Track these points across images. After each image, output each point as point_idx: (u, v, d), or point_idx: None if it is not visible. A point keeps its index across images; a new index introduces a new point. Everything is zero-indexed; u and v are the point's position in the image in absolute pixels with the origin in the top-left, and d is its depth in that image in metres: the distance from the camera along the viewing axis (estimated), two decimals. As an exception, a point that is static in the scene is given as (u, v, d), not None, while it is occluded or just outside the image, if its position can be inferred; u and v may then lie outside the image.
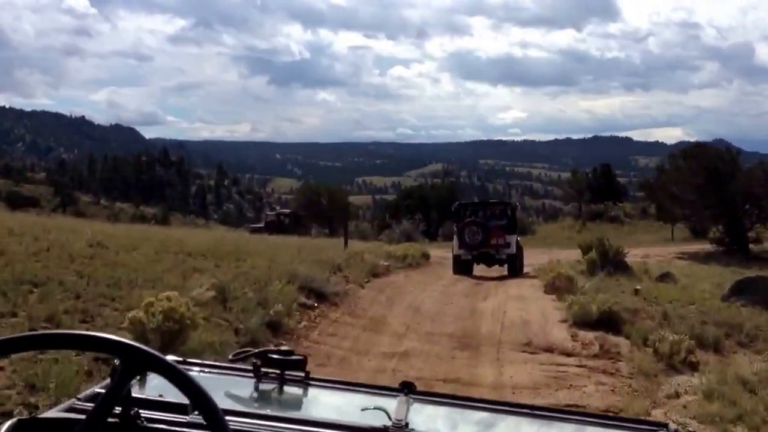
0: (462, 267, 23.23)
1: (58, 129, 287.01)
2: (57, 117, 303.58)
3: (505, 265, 23.78)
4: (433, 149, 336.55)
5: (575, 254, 27.68)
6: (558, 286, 17.79)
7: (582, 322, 13.89)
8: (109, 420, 1.52)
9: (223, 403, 1.79)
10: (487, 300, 17.41)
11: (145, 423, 1.63)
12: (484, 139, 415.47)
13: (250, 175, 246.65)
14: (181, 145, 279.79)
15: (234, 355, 2.44)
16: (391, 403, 2.12)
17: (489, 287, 20.26)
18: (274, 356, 2.29)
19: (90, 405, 1.71)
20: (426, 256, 28.18)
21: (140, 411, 1.66)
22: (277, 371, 2.27)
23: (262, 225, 48.06)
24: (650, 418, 3.81)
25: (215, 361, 2.52)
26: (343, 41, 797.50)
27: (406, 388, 2.28)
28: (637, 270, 23.89)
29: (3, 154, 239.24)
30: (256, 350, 2.37)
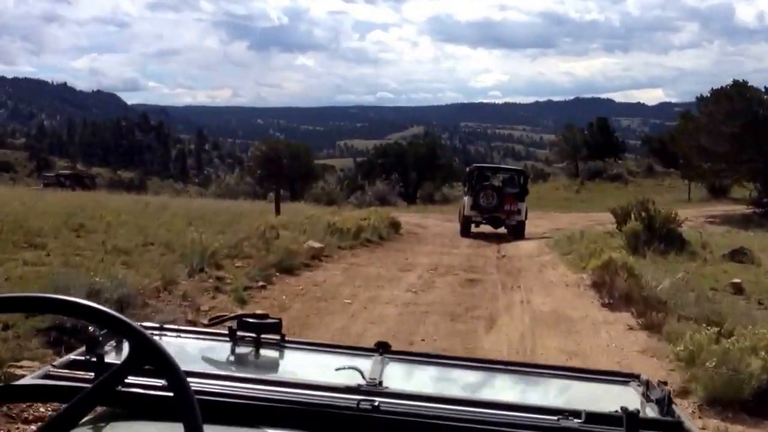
0: (469, 228, 23.13)
1: (40, 96, 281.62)
2: (39, 83, 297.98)
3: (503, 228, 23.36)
4: (414, 112, 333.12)
5: (582, 219, 25.71)
6: (616, 289, 9.45)
7: (723, 399, 5.67)
8: (83, 386, 1.48)
9: (200, 366, 1.90)
10: (496, 330, 8.89)
11: (120, 388, 1.50)
12: (465, 102, 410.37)
13: (232, 140, 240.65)
14: (162, 110, 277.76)
15: (210, 320, 2.37)
16: (366, 363, 2.07)
17: (493, 289, 11.92)
18: (250, 320, 2.20)
19: (65, 371, 1.69)
20: (395, 226, 20.01)
21: None
22: (253, 335, 2.20)
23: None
24: (621, 370, 2.79)
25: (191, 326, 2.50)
26: (321, 6, 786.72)
27: (381, 348, 2.26)
28: (693, 243, 16.13)
29: None
30: (232, 315, 2.28)
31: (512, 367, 2.33)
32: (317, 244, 13.28)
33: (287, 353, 2.26)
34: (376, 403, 1.75)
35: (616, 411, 1.74)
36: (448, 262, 14.81)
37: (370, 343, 2.28)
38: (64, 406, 1.19)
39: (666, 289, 9.42)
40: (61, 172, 47.65)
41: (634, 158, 62.12)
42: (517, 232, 22.75)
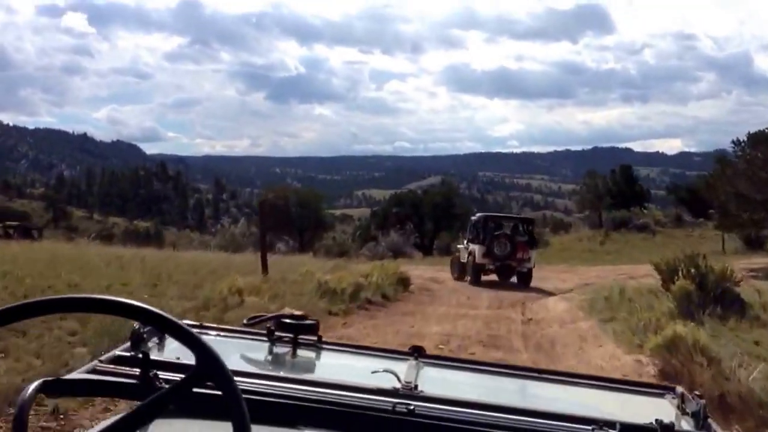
0: (480, 276, 23.38)
1: (61, 146, 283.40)
2: (59, 134, 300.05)
3: (514, 278, 23.77)
4: (432, 162, 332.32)
5: (610, 272, 24.55)
6: (699, 386, 6.73)
7: None
8: (129, 381, 1.58)
9: (237, 365, 1.92)
10: None
11: (163, 384, 1.58)
12: (483, 151, 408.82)
13: (250, 189, 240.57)
14: (181, 160, 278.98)
15: (248, 320, 2.35)
16: (402, 367, 2.09)
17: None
18: (288, 321, 2.23)
19: (112, 367, 1.70)
20: (404, 282, 17.42)
21: (158, 373, 1.64)
22: (291, 335, 2.23)
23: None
24: (658, 383, 2.94)
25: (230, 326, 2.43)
26: (338, 56, 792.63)
27: (416, 352, 2.28)
28: (753, 304, 13.41)
29: (6, 171, 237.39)
30: (270, 315, 2.31)
31: (547, 376, 2.34)
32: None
33: (324, 354, 2.26)
34: (412, 407, 1.76)
35: (651, 423, 1.75)
36: (464, 331, 12.21)
37: None
38: (116, 420, 1.20)
39: (762, 382, 6.76)
40: (8, 222, 45.26)
41: (657, 207, 59.23)
42: (527, 279, 23.27)
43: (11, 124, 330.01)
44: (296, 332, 2.22)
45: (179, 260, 19.01)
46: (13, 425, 1.16)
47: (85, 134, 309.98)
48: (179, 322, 1.27)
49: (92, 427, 1.61)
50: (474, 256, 23.54)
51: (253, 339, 2.29)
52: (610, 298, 14.81)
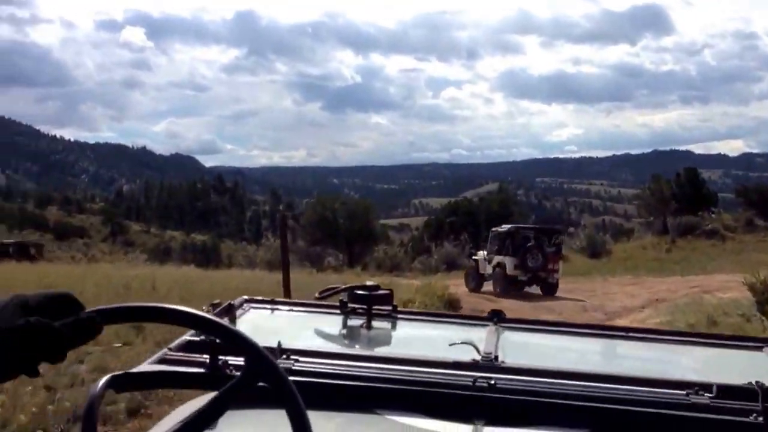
0: (512, 287, 23.39)
1: (121, 160, 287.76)
2: (119, 148, 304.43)
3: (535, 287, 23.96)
4: (489, 169, 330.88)
5: (682, 285, 22.74)
6: None
7: None
8: (196, 371, 1.58)
9: (311, 341, 1.98)
10: None
11: (233, 371, 1.57)
12: (540, 157, 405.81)
13: (307, 200, 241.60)
14: (239, 172, 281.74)
15: (320, 293, 2.33)
16: (481, 334, 2.05)
17: None
18: (361, 292, 2.18)
19: (181, 354, 1.72)
20: (452, 305, 15.74)
21: (228, 360, 1.62)
22: (365, 306, 2.18)
23: None
24: (751, 336, 2.55)
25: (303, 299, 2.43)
26: (394, 65, 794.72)
27: (496, 317, 2.22)
28: None
29: (68, 186, 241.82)
30: (343, 287, 2.26)
31: (635, 334, 2.25)
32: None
33: (399, 325, 2.21)
34: (493, 381, 1.70)
35: (750, 384, 1.65)
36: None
37: None
38: (190, 417, 1.19)
39: None
40: (4, 241, 44.22)
41: (721, 211, 56.19)
42: (553, 290, 23.45)
43: (72, 139, 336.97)
44: (370, 303, 2.13)
45: (208, 281, 17.55)
46: (82, 422, 1.13)
47: (144, 148, 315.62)
48: (228, 325, 1.23)
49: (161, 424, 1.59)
50: (504, 268, 23.86)
51: (326, 313, 2.22)
52: (696, 324, 12.79)
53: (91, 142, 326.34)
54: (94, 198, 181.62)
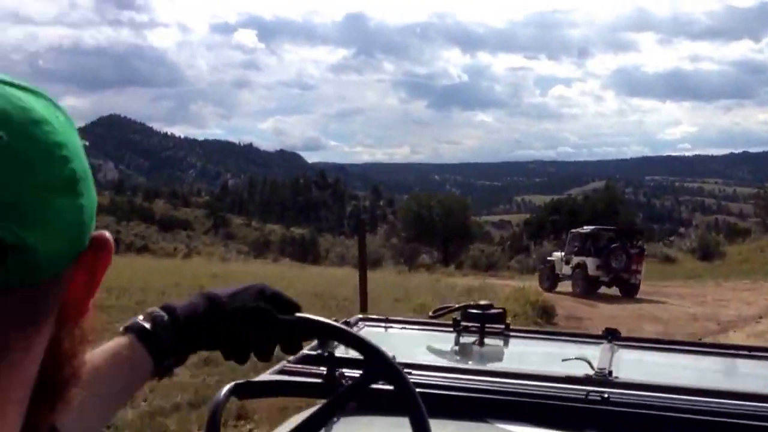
0: (592, 287, 23.24)
1: (227, 156, 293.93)
2: (226, 145, 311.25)
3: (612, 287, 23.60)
4: (596, 167, 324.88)
5: None
6: None
7: None
8: (314, 381, 1.60)
9: (425, 357, 1.98)
10: None
11: (348, 382, 1.55)
12: (651, 155, 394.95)
13: (408, 196, 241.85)
14: (341, 168, 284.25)
15: (435, 311, 2.36)
16: (595, 352, 2.03)
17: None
18: (474, 311, 2.18)
19: (299, 366, 1.77)
20: (546, 312, 14.02)
21: (344, 371, 1.62)
22: (477, 324, 2.18)
23: None
24: None
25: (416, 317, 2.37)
26: (502, 63, 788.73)
27: (610, 335, 2.19)
28: None
29: (176, 180, 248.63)
30: (456, 306, 2.27)
31: (756, 353, 2.18)
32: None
33: (512, 342, 2.22)
34: (606, 395, 1.70)
35: None
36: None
37: None
38: (297, 425, 1.22)
39: None
40: None
41: None
42: (634, 291, 23.14)
43: (182, 136, 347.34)
44: (483, 321, 2.14)
45: (288, 281, 16.30)
46: (206, 425, 1.18)
47: (250, 144, 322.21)
48: (342, 327, 1.24)
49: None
50: (585, 268, 23.69)
51: (439, 330, 2.25)
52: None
53: (200, 138, 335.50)
54: (200, 192, 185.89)
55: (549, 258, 26.39)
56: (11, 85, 0.56)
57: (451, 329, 2.22)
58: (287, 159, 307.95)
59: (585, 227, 26.88)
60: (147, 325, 1.04)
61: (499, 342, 2.21)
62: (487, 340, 2.17)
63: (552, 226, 44.16)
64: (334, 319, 1.24)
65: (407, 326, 2.33)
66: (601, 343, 2.13)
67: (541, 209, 65.68)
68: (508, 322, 2.23)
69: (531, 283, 22.72)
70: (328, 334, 1.21)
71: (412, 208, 43.43)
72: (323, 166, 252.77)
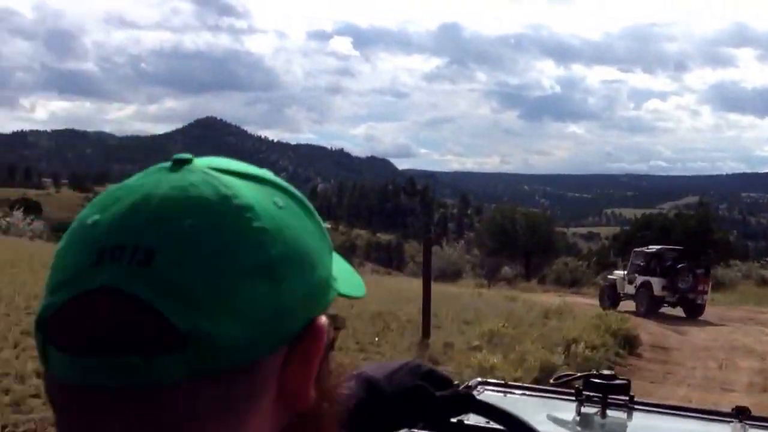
0: (657, 307, 22.97)
1: (318, 160, 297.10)
2: (318, 149, 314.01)
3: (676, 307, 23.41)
4: (689, 182, 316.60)
5: None
6: None
7: None
8: None
9: (544, 425, 1.90)
10: None
11: None
12: (748, 171, 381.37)
13: (496, 205, 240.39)
14: (431, 176, 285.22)
15: (555, 379, 2.26)
16: (722, 430, 1.95)
17: None
18: (597, 380, 2.10)
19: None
20: (630, 343, 12.86)
21: None
22: (600, 395, 2.07)
23: None
24: None
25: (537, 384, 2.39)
26: (596, 75, 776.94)
27: (740, 414, 2.03)
28: None
29: None
30: (579, 374, 2.18)
31: None
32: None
33: (636, 416, 2.11)
34: None
35: None
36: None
37: None
38: None
39: None
40: None
41: None
42: (700, 311, 23.08)
43: (276, 140, 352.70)
44: (606, 392, 2.05)
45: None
46: None
47: (342, 150, 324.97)
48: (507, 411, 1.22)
49: None
50: (650, 288, 23.47)
51: (560, 398, 2.16)
52: None
53: (293, 143, 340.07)
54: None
55: (610, 276, 26.32)
56: (228, 172, 0.57)
57: (573, 398, 2.07)
58: (378, 165, 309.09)
59: (650, 246, 26.79)
60: None
61: (623, 414, 2.07)
62: (609, 412, 2.04)
63: (641, 242, 42.30)
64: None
65: (527, 392, 2.18)
66: (731, 421, 1.98)
67: (632, 223, 63.39)
68: (632, 394, 2.05)
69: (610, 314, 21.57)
70: (490, 416, 1.18)
71: (496, 220, 42.25)
72: (413, 173, 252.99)
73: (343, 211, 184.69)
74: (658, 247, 26.62)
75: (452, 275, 32.91)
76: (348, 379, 0.95)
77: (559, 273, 35.46)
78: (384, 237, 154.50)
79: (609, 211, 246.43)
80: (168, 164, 0.57)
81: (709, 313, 22.58)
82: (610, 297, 24.32)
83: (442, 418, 1.11)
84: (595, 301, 24.70)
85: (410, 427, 1.11)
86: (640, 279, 23.92)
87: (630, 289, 24.18)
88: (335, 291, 0.61)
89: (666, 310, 23.11)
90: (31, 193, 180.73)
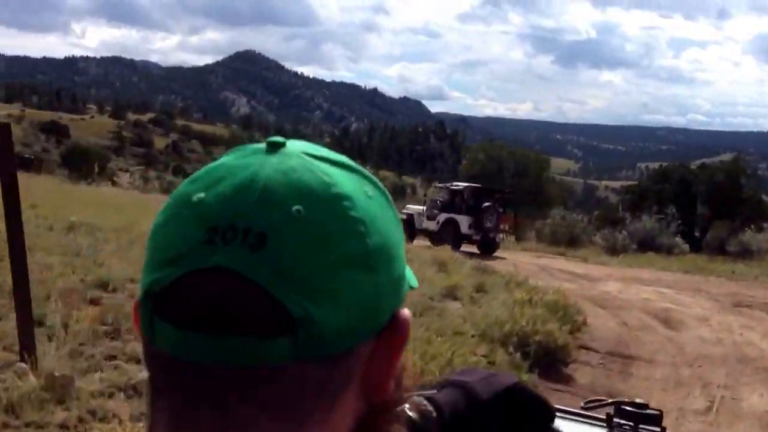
0: (460, 244, 22.79)
1: (352, 99, 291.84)
2: (352, 88, 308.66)
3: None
4: (729, 137, 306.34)
5: None
6: None
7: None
8: None
9: None
10: None
11: None
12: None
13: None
14: (463, 120, 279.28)
15: (586, 403, 2.05)
16: None
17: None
18: (628, 408, 1.93)
19: None
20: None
21: None
22: (631, 423, 1.92)
23: None
24: None
25: (566, 406, 2.09)
26: (634, 21, 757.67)
27: None
28: None
29: (302, 120, 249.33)
30: (610, 400, 2.00)
31: None
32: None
33: None
34: None
35: None
36: None
37: None
38: None
39: None
40: None
41: None
42: (495, 249, 23.51)
43: (312, 76, 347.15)
44: (637, 421, 1.88)
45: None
46: None
47: (375, 89, 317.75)
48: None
49: None
50: (457, 226, 23.63)
51: (590, 424, 1.97)
52: None
53: (328, 80, 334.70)
54: (322, 134, 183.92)
55: (405, 211, 25.14)
56: (323, 159, 0.57)
57: (603, 424, 1.90)
58: (410, 106, 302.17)
59: (455, 183, 27.02)
60: (414, 416, 0.93)
61: None
62: None
63: (657, 197, 36.36)
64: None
65: (558, 414, 1.78)
66: None
67: (645, 177, 56.94)
68: (664, 425, 1.84)
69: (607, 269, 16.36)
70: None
71: (479, 160, 36.28)
72: (445, 116, 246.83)
73: (372, 152, 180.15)
74: (464, 184, 26.62)
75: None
76: (439, 387, 0.98)
77: (554, 227, 29.95)
78: (409, 180, 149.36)
79: (643, 165, 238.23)
80: (263, 146, 0.57)
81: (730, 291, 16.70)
82: (406, 231, 20.31)
83: (541, 422, 1.05)
84: (584, 265, 21.07)
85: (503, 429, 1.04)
86: (443, 216, 23.95)
87: (430, 225, 24.05)
88: (408, 284, 0.62)
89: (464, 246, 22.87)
90: (66, 118, 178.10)
